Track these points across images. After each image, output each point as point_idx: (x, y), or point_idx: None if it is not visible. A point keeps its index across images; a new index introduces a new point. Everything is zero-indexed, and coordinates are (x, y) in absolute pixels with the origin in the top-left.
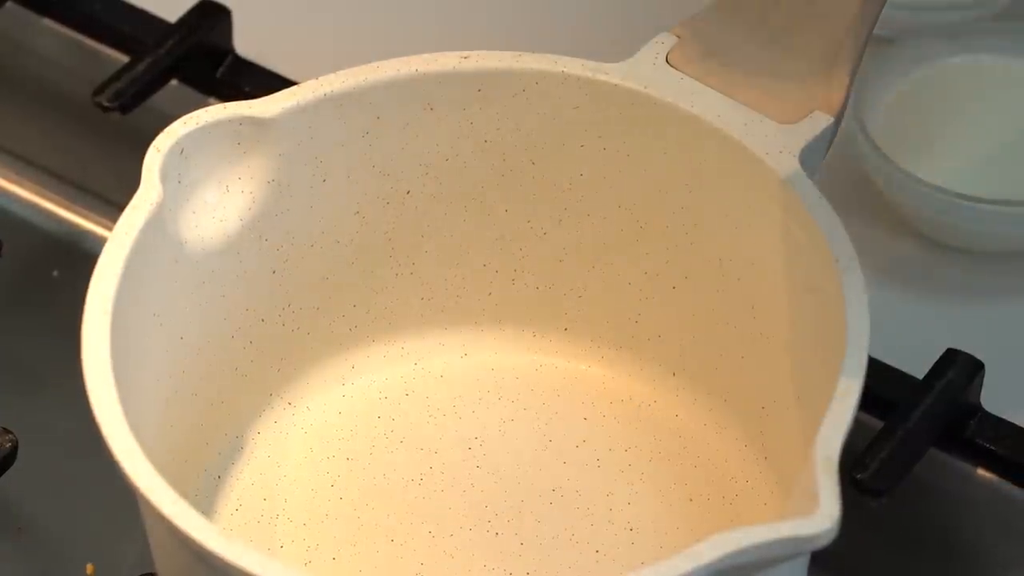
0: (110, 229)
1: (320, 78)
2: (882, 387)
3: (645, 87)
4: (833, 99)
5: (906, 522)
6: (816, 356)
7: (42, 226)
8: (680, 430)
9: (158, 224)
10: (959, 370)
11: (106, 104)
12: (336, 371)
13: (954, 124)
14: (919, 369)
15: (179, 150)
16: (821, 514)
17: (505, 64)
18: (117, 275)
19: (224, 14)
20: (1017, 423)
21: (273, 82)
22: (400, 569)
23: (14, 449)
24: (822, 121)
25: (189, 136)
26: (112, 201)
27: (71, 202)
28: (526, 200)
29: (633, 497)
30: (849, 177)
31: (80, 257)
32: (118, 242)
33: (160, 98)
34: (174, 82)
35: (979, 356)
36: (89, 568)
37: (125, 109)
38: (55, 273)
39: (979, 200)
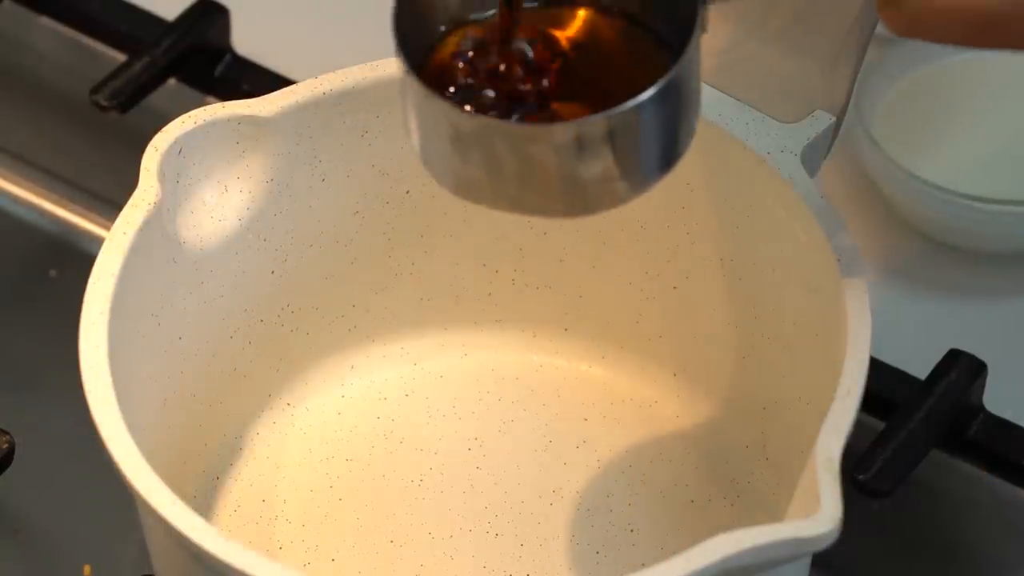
0: (108, 229)
1: (319, 77)
2: (884, 387)
3: None
4: (835, 98)
5: (908, 523)
6: (817, 356)
7: (40, 226)
8: (681, 431)
9: (156, 224)
10: (961, 371)
11: (104, 103)
12: (335, 371)
13: (955, 123)
14: (921, 369)
15: (177, 149)
16: (823, 515)
17: None
18: (115, 275)
19: (222, 13)
20: (1020, 424)
21: (272, 81)
22: (400, 570)
23: (11, 449)
24: (823, 120)
25: (187, 135)
26: (110, 200)
27: (69, 201)
28: None
29: (633, 498)
30: (850, 176)
31: (78, 257)
32: (116, 242)
33: (158, 97)
34: (172, 81)
35: (982, 356)
36: (86, 569)
37: (123, 108)
38: (52, 273)
39: (980, 199)
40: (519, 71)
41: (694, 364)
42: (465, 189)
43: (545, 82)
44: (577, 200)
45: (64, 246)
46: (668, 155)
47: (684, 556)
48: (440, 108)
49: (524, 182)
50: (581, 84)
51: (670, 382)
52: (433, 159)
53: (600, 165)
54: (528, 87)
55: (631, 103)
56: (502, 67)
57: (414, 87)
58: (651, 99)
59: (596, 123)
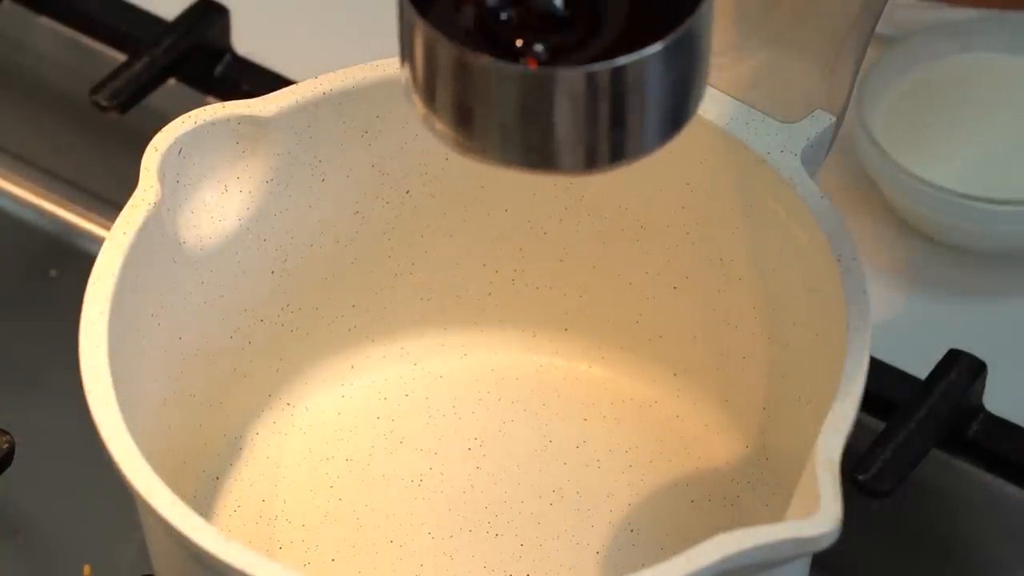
0: (108, 229)
1: (319, 77)
2: (884, 388)
3: None
4: (835, 98)
5: (908, 523)
6: (817, 356)
7: (40, 226)
8: (681, 431)
9: (156, 224)
10: (961, 371)
11: (104, 103)
12: (335, 371)
13: (955, 123)
14: (921, 369)
15: (177, 149)
16: (823, 515)
17: None
18: (115, 275)
19: (222, 13)
20: (1020, 424)
21: (272, 81)
22: (400, 571)
23: (11, 449)
24: (824, 120)
25: (187, 135)
26: (110, 201)
27: (69, 202)
28: (526, 200)
29: (634, 498)
30: (850, 176)
31: (78, 257)
32: (116, 242)
33: (158, 97)
34: (172, 81)
35: (981, 356)
36: (86, 569)
37: (123, 108)
38: (53, 273)
39: (980, 200)
40: (532, 14)
41: (694, 364)
42: (468, 145)
43: (557, 30)
44: (577, 155)
45: (64, 246)
46: (676, 114)
47: (684, 556)
48: (447, 50)
49: (530, 133)
50: (593, 33)
51: (670, 382)
52: (432, 112)
53: (606, 117)
54: (539, 34)
55: (642, 52)
56: (515, 11)
57: (421, 28)
58: (662, 51)
59: (605, 71)
